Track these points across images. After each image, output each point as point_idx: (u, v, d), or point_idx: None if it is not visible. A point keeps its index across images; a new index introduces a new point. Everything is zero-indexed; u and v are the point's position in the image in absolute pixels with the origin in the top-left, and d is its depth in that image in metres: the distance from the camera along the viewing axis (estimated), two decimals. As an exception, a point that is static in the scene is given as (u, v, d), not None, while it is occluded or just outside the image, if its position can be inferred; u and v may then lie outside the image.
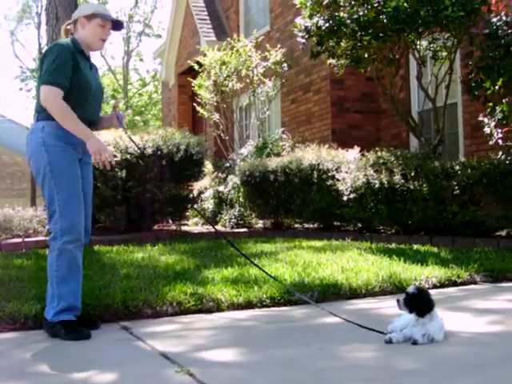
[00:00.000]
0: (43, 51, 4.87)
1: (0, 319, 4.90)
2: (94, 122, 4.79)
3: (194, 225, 12.29)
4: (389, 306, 4.96)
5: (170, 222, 11.23)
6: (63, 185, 4.50)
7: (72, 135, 4.50)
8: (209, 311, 5.26)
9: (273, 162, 11.00)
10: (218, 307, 5.31)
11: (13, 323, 4.90)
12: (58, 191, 4.48)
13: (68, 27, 4.86)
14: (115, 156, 9.53)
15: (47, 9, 11.85)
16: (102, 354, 3.97)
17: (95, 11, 4.73)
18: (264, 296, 5.43)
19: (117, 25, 4.88)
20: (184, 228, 11.16)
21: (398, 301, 4.08)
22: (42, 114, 4.55)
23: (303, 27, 9.96)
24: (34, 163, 4.58)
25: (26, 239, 9.48)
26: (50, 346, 4.31)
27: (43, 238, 9.55)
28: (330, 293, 5.63)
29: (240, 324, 4.89)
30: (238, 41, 14.77)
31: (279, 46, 14.82)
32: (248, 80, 14.64)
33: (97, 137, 4.59)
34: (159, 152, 9.71)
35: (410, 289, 4.09)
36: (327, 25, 9.40)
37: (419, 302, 4.00)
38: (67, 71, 4.48)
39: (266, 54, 14.64)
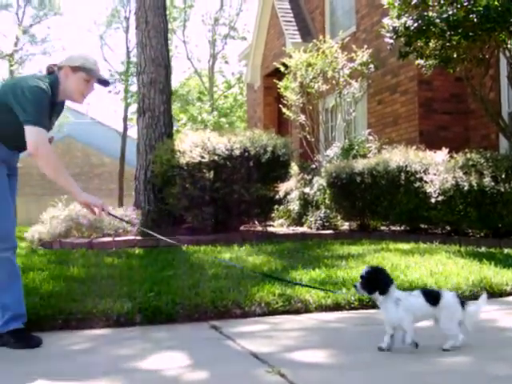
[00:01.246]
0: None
1: (93, 316, 5.04)
2: (22, 150, 4.61)
3: (279, 226, 12.32)
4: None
5: (256, 223, 11.28)
6: None
7: (4, 152, 4.46)
8: (297, 312, 5.27)
9: (359, 164, 10.92)
10: (306, 308, 5.32)
11: (106, 320, 5.02)
12: None
13: (53, 67, 4.68)
14: (203, 157, 9.65)
15: (136, 13, 12.10)
16: (193, 353, 4.02)
17: (82, 64, 4.59)
18: (352, 298, 5.40)
19: (103, 82, 4.77)
20: (270, 229, 11.20)
21: (355, 286, 4.02)
22: None
23: (391, 28, 9.87)
24: None
25: (116, 238, 9.69)
26: (142, 344, 4.39)
27: (133, 237, 9.76)
28: (419, 296, 5.56)
29: (328, 326, 4.88)
30: (324, 42, 14.71)
31: (365, 46, 14.71)
32: (334, 81, 14.58)
33: (84, 192, 4.57)
34: (246, 153, 9.77)
35: (363, 271, 3.98)
36: (416, 25, 9.28)
37: (376, 281, 3.91)
38: (46, 117, 4.45)
39: (353, 55, 14.55)
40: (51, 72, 4.65)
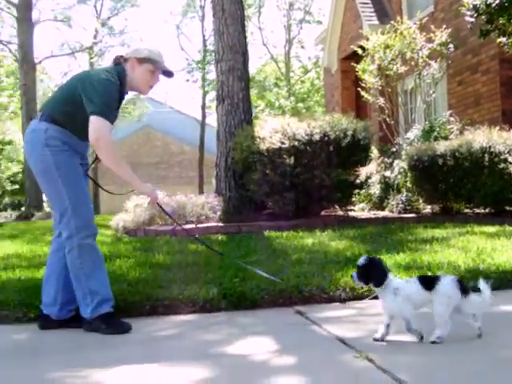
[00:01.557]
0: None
1: (180, 302, 5.12)
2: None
3: (360, 210, 12.24)
4: None
5: (337, 207, 11.23)
6: (71, 183, 4.49)
7: (75, 142, 4.52)
8: (382, 297, 5.24)
9: (441, 146, 10.73)
10: (391, 293, 5.27)
11: (192, 306, 5.11)
12: (68, 190, 4.46)
13: (120, 58, 4.74)
14: (283, 143, 9.66)
15: (213, 1, 12.15)
16: (280, 338, 4.05)
17: (148, 56, 4.66)
18: (438, 283, 5.33)
19: (167, 73, 4.79)
20: (351, 213, 11.14)
21: (351, 276, 3.96)
22: (47, 115, 4.50)
23: (471, 6, 9.66)
24: (36, 162, 4.53)
25: (199, 225, 9.80)
26: (228, 329, 4.45)
27: (215, 224, 9.85)
28: (506, 280, 5.44)
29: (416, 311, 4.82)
30: (402, 23, 14.48)
31: (444, 26, 14.42)
32: (413, 63, 14.35)
33: (143, 183, 4.70)
34: (326, 138, 9.72)
35: (361, 260, 3.91)
36: (497, 1, 9.06)
37: (371, 272, 3.85)
38: (113, 110, 4.52)
39: (431, 35, 14.28)
40: (118, 63, 4.71)
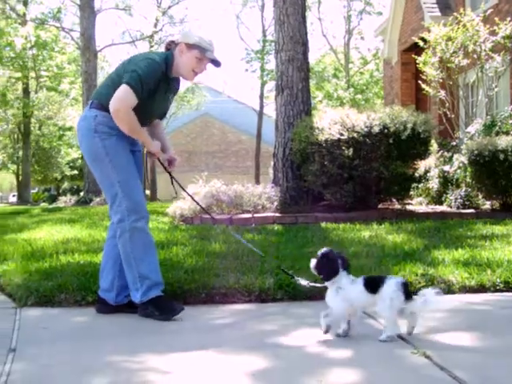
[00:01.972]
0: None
1: (235, 291, 5.14)
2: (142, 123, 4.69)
3: (418, 204, 12.10)
4: None
5: (394, 200, 11.13)
6: (121, 167, 4.53)
7: None
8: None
9: (503, 141, 10.52)
10: (449, 289, 5.20)
11: (248, 295, 5.12)
12: (118, 173, 4.52)
13: (171, 44, 4.74)
14: (342, 135, 9.60)
15: (274, -10, 12.12)
16: (336, 331, 4.03)
17: (197, 43, 4.59)
18: (498, 280, 5.25)
19: (215, 63, 4.72)
20: (408, 207, 11.02)
21: (311, 261, 3.96)
22: (97, 102, 4.57)
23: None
24: (87, 149, 4.60)
25: (256, 215, 9.82)
26: (284, 320, 4.45)
27: (272, 214, 9.86)
28: None
29: (473, 308, 4.76)
30: (465, 15, 14.23)
31: (509, 19, 14.11)
32: (475, 55, 14.09)
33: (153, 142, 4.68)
34: (386, 130, 9.61)
35: (320, 251, 3.92)
36: None
37: (323, 265, 3.86)
38: (145, 91, 4.44)
39: (495, 27, 13.99)
40: (169, 49, 4.72)
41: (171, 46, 4.71)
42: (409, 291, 3.77)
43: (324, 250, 3.96)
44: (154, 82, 4.48)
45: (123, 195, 4.51)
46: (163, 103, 4.80)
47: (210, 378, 3.24)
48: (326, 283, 3.93)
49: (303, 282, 4.32)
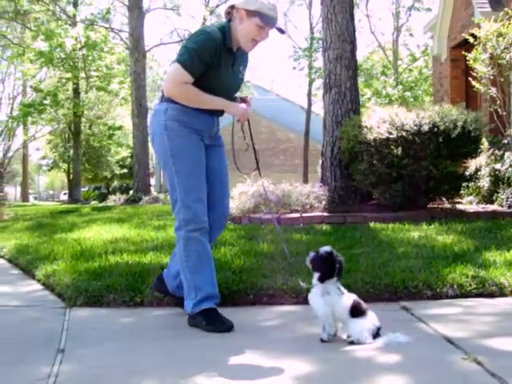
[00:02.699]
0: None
1: (284, 292, 5.12)
2: (218, 114, 4.56)
3: (468, 203, 11.91)
4: None
5: (444, 200, 10.97)
6: (184, 172, 4.32)
7: (197, 121, 4.37)
8: (490, 296, 5.09)
9: (556, 139, 10.31)
10: (500, 292, 5.12)
11: (295, 297, 5.09)
12: (179, 179, 4.32)
13: (230, 10, 4.41)
14: (391, 133, 9.49)
15: (322, -12, 12.04)
16: (385, 335, 3.97)
17: (258, 9, 4.25)
18: (551, 283, 5.13)
19: (279, 30, 4.43)
20: (459, 207, 10.85)
21: (308, 253, 3.91)
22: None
23: None
24: (156, 146, 4.44)
25: (304, 214, 9.76)
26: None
27: (320, 214, 9.79)
28: None
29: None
30: (516, 10, 13.94)
31: None
32: (527, 51, 13.80)
33: (232, 102, 4.45)
34: (435, 129, 9.46)
35: (323, 248, 3.88)
36: None
37: (323, 264, 3.81)
38: (202, 65, 4.23)
39: (548, 22, 13.69)
40: (229, 15, 4.43)
41: (231, 11, 4.41)
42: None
43: (326, 248, 3.91)
44: (210, 55, 4.24)
45: (182, 204, 4.33)
46: (233, 77, 4.50)
47: (254, 382, 3.22)
48: (316, 282, 3.90)
49: (301, 282, 4.40)
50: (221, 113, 4.53)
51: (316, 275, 3.90)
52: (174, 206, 4.40)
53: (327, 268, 3.86)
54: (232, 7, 4.38)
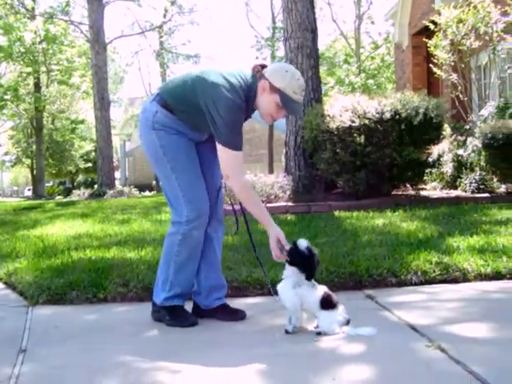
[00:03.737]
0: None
1: (248, 284, 5.10)
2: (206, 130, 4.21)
3: (432, 189, 12.00)
4: None
5: (408, 186, 11.04)
6: (181, 168, 4.15)
7: (185, 127, 4.15)
8: (454, 281, 5.11)
9: (517, 123, 10.40)
10: (464, 277, 5.15)
11: (260, 288, 5.06)
12: (177, 176, 4.14)
13: (259, 68, 4.11)
14: (353, 122, 9.50)
15: (282, -23, 11.99)
16: (350, 324, 3.96)
17: (283, 88, 3.96)
18: (515, 266, 5.17)
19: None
20: (422, 193, 10.92)
21: (293, 242, 3.91)
22: (161, 97, 4.18)
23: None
24: (145, 146, 4.27)
25: (268, 204, 9.73)
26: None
27: (284, 204, 9.79)
28: None
29: (489, 296, 4.68)
30: (476, -4, 14.03)
31: (521, -2, 13.91)
32: (487, 37, 13.90)
33: (274, 226, 4.14)
34: (397, 116, 9.51)
35: (301, 243, 3.88)
36: None
37: (305, 260, 3.83)
38: (240, 131, 4.04)
39: (507, 8, 13.79)
40: (255, 74, 4.10)
41: (258, 72, 4.09)
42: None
43: (305, 242, 3.89)
44: (240, 116, 4.05)
45: (185, 200, 4.14)
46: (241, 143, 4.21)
47: (215, 376, 3.19)
48: (286, 275, 3.89)
49: (267, 280, 4.36)
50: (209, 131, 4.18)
51: (290, 268, 3.87)
52: (175, 201, 4.21)
53: (308, 264, 3.84)
54: (260, 68, 4.12)
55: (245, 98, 4.02)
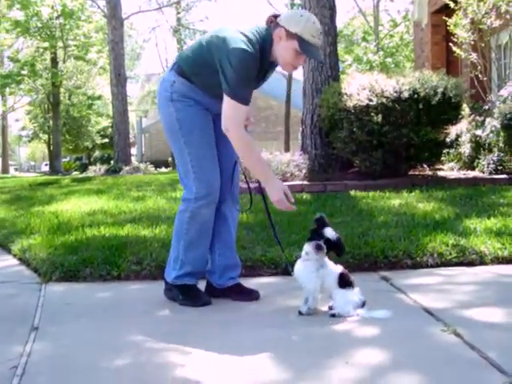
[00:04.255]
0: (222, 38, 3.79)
1: (262, 263, 5.07)
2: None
3: (449, 170, 11.89)
4: None
5: (425, 167, 10.94)
6: (194, 143, 4.08)
7: (203, 95, 4.06)
8: (471, 264, 5.06)
9: (537, 104, 10.26)
10: (480, 260, 5.09)
11: (274, 268, 5.03)
12: (190, 151, 4.07)
13: (273, 19, 3.97)
14: (371, 100, 9.40)
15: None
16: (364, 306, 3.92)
17: (300, 33, 3.82)
18: (531, 249, 5.10)
19: (318, 60, 4.07)
20: (440, 173, 10.82)
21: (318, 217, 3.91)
22: (179, 66, 4.10)
23: None
24: (162, 117, 4.20)
25: (284, 183, 9.65)
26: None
27: (300, 182, 9.74)
28: None
29: (506, 280, 4.62)
30: (498, -26, 13.81)
31: (544, -23, 13.68)
32: (508, 16, 13.70)
33: (277, 180, 4.12)
34: (416, 95, 9.38)
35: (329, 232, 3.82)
36: None
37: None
38: (251, 85, 3.93)
39: (530, -14, 13.59)
40: (270, 25, 3.98)
41: (272, 23, 3.97)
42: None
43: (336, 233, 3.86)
44: (254, 70, 3.89)
45: (195, 176, 4.08)
46: (259, 84, 4.16)
47: (227, 358, 3.16)
48: (311, 256, 3.80)
49: (285, 260, 4.27)
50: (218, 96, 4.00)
51: (313, 247, 3.78)
52: (185, 177, 4.16)
53: (337, 246, 3.85)
54: (275, 17, 3.99)
55: (260, 49, 3.87)
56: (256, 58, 3.84)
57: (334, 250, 3.81)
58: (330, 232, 3.80)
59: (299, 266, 3.87)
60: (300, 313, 3.81)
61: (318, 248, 3.75)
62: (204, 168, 4.10)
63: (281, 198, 4.01)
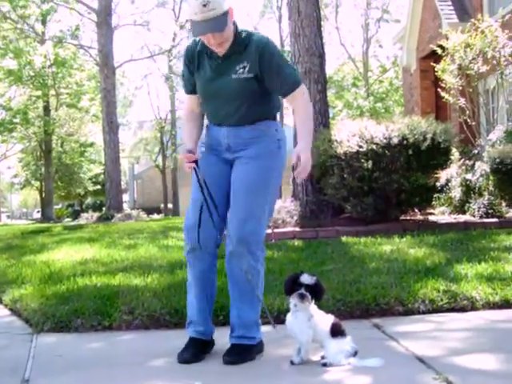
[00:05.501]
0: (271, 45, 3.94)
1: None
2: (228, 123, 4.09)
3: (440, 214, 11.94)
4: None
5: (416, 211, 10.98)
6: (192, 185, 4.16)
7: (208, 136, 4.20)
8: (462, 310, 5.06)
9: (525, 148, 10.36)
10: (472, 306, 5.09)
11: (265, 317, 5.00)
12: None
13: None
14: (361, 147, 9.48)
15: (289, 3, 11.98)
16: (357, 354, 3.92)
17: (189, 17, 3.87)
18: (523, 295, 5.12)
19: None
20: (431, 218, 10.86)
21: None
22: None
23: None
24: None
25: (276, 230, 9.69)
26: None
27: (292, 229, 9.75)
28: None
29: (497, 326, 4.63)
30: (483, 21, 14.05)
31: (528, 23, 13.94)
32: (494, 62, 13.89)
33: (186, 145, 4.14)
34: (405, 141, 9.47)
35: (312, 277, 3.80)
36: None
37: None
38: (185, 77, 4.17)
39: (514, 32, 13.81)
40: None
41: None
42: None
43: (314, 276, 3.85)
44: (186, 61, 4.11)
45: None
46: (222, 82, 4.04)
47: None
48: (300, 307, 3.79)
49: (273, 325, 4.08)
50: (233, 120, 4.07)
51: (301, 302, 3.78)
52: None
53: (319, 294, 3.85)
54: None
55: (201, 47, 4.02)
56: (188, 49, 4.10)
57: (313, 294, 3.78)
58: (306, 278, 3.79)
59: (290, 319, 3.86)
60: (292, 363, 3.80)
61: (302, 297, 3.74)
62: (185, 222, 4.20)
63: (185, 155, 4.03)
